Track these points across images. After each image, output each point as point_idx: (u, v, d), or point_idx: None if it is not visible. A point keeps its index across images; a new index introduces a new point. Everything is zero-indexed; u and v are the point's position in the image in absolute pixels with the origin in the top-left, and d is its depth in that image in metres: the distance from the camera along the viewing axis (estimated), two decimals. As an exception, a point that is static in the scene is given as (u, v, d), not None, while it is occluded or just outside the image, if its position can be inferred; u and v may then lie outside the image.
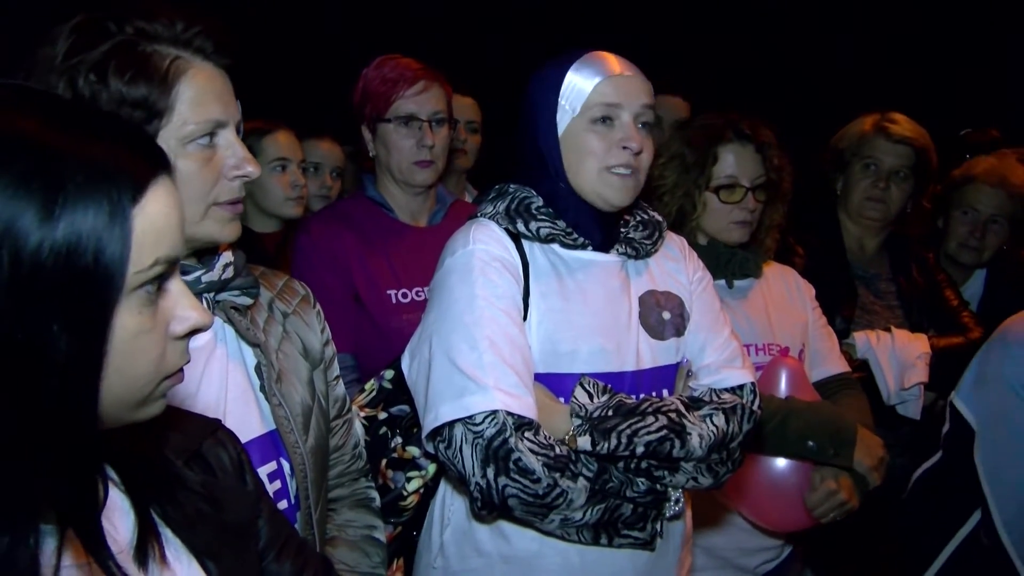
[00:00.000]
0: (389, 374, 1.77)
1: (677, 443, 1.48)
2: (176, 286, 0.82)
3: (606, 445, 1.45)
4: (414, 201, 2.36)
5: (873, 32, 5.46)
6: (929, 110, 2.93)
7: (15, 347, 0.68)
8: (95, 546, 0.75)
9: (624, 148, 1.57)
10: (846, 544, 2.52)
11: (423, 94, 2.27)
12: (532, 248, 1.60)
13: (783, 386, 2.05)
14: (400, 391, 1.68)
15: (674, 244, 1.77)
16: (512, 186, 1.65)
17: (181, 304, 0.82)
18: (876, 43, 5.44)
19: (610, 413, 1.48)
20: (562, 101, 1.59)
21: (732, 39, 5.48)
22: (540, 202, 1.61)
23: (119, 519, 0.87)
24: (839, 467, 1.98)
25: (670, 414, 1.50)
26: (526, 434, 1.42)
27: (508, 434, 1.40)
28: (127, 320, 0.75)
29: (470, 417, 1.42)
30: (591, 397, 1.50)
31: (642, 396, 1.57)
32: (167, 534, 0.91)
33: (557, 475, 1.41)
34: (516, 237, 1.59)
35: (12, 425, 0.69)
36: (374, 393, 1.76)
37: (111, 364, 0.74)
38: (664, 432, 1.48)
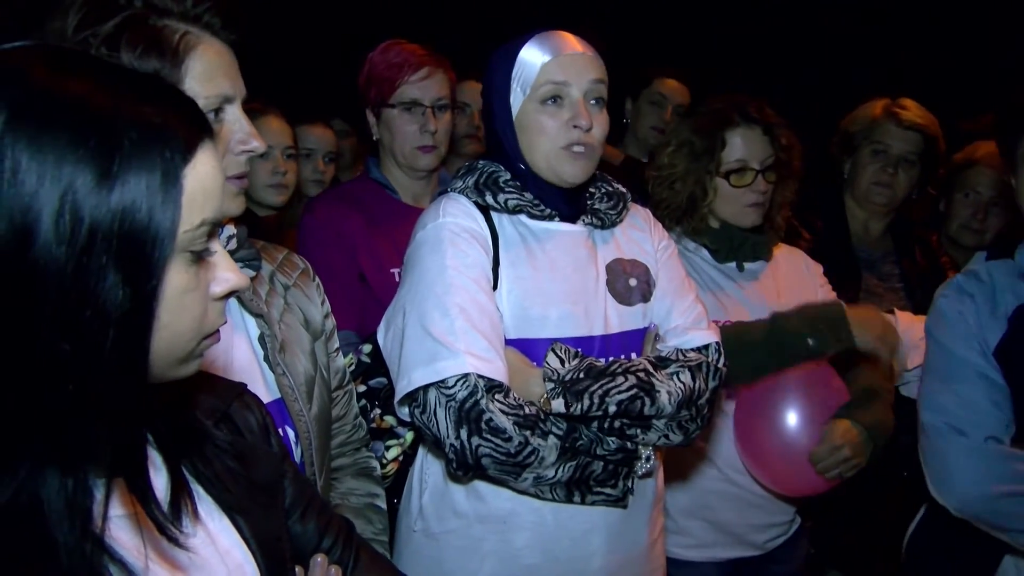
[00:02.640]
0: (367, 348, 1.80)
1: (647, 401, 1.52)
2: (217, 249, 0.85)
3: (579, 406, 1.50)
4: (417, 184, 2.40)
5: (877, 15, 5.45)
6: (933, 94, 2.93)
7: (79, 299, 0.72)
8: (143, 495, 0.79)
9: (575, 127, 1.60)
10: (851, 520, 2.54)
11: (427, 80, 2.31)
12: (501, 220, 1.64)
13: None
14: (378, 364, 1.72)
15: (639, 214, 1.81)
16: (481, 162, 1.69)
17: (221, 266, 0.86)
18: (880, 26, 5.43)
19: (581, 375, 1.52)
20: (513, 83, 1.62)
21: (736, 20, 5.48)
22: (507, 176, 1.65)
23: (153, 475, 0.89)
24: (844, 350, 1.98)
25: (639, 373, 1.54)
26: (496, 396, 1.46)
27: (479, 396, 1.45)
28: (175, 277, 0.79)
29: (442, 381, 1.46)
30: (562, 362, 1.54)
31: (611, 358, 1.61)
32: (198, 491, 0.95)
33: (528, 433, 1.46)
34: (485, 210, 1.63)
35: (76, 375, 0.73)
36: (353, 367, 1.79)
37: (160, 319, 0.78)
38: (634, 391, 1.52)
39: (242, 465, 1.00)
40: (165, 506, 0.86)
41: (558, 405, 1.50)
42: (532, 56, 1.61)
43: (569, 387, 1.51)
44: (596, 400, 1.50)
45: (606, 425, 1.54)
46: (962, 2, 5.27)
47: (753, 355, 1.96)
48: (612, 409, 1.51)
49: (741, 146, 2.11)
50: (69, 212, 0.71)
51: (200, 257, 0.82)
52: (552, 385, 1.51)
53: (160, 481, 0.89)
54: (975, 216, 2.87)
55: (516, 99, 1.62)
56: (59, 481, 0.74)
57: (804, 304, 2.06)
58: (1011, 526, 1.60)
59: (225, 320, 0.88)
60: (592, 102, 1.62)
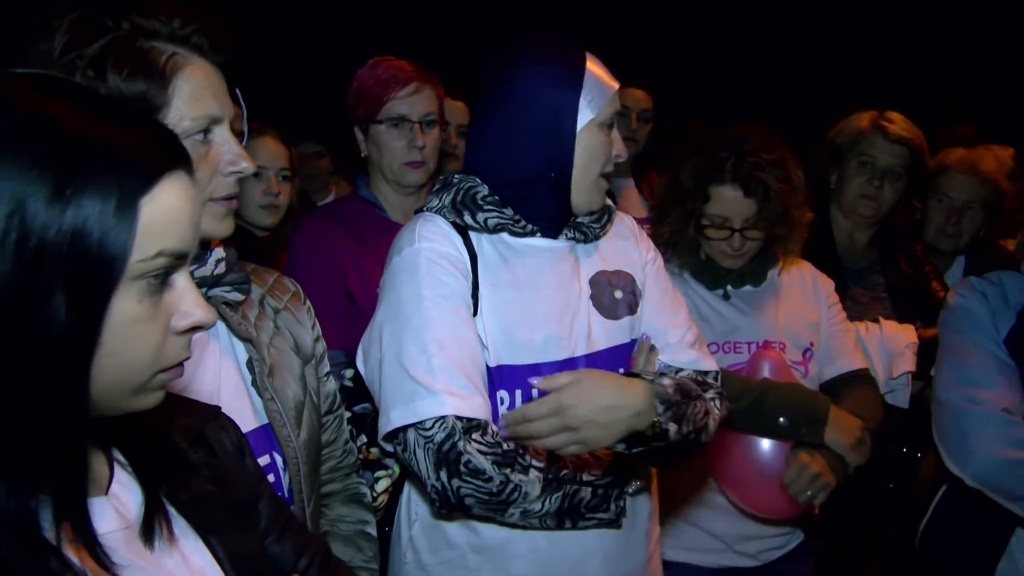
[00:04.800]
0: (349, 373, 1.78)
1: (710, 427, 1.53)
2: (183, 282, 0.83)
3: (680, 430, 1.47)
4: (406, 201, 2.38)
5: (865, 27, 5.51)
6: (917, 106, 2.96)
7: (24, 317, 0.72)
8: (80, 526, 0.78)
9: (617, 156, 1.60)
10: (850, 533, 2.55)
11: (415, 96, 2.30)
12: (480, 240, 1.59)
13: (766, 376, 2.09)
14: (362, 389, 1.69)
15: (623, 223, 1.77)
16: (456, 176, 1.63)
17: (186, 300, 0.83)
18: (867, 38, 5.49)
19: (680, 397, 1.49)
20: (584, 99, 1.56)
21: (723, 31, 5.52)
22: (485, 191, 1.59)
23: (127, 497, 0.90)
24: (812, 445, 2.01)
25: (701, 400, 1.54)
26: (474, 436, 1.43)
27: (457, 438, 1.41)
28: (126, 306, 0.77)
29: (420, 423, 1.43)
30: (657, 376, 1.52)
31: (681, 375, 1.59)
32: (172, 512, 0.94)
33: (508, 471, 1.43)
34: (463, 230, 1.58)
35: (16, 393, 0.73)
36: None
37: (106, 346, 0.77)
38: (705, 418, 1.52)
39: (217, 486, 1.00)
40: (138, 527, 0.87)
41: (674, 429, 1.46)
42: (601, 78, 1.58)
43: (675, 409, 1.47)
44: (692, 426, 1.48)
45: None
46: (944, 13, 5.34)
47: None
48: (704, 439, 1.51)
49: (723, 204, 2.09)
50: (17, 230, 0.71)
51: (160, 288, 0.80)
52: (663, 407, 1.46)
53: (135, 502, 0.89)
54: (949, 221, 2.91)
55: (584, 115, 1.56)
56: (4, 500, 0.73)
57: (798, 386, 2.08)
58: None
59: (189, 355, 0.86)
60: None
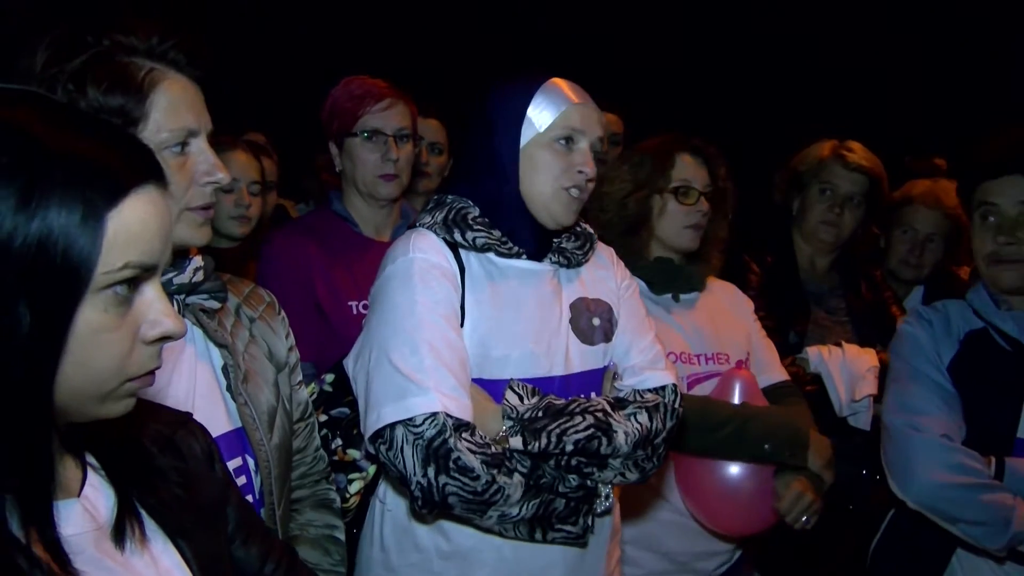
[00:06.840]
0: (329, 377, 1.81)
1: (604, 440, 1.55)
2: (153, 292, 0.84)
3: (537, 444, 1.52)
4: (379, 215, 2.43)
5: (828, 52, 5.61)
6: (878, 134, 3.04)
7: None
8: (43, 529, 0.79)
9: (579, 172, 1.65)
10: (795, 546, 2.59)
11: (389, 110, 2.36)
12: (468, 257, 1.65)
13: (737, 396, 2.13)
14: (340, 394, 1.73)
15: (603, 253, 1.85)
16: (449, 197, 1.69)
17: (155, 310, 0.84)
18: (830, 64, 5.58)
19: (540, 414, 1.54)
20: (530, 115, 1.64)
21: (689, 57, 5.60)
22: (476, 212, 1.66)
23: (99, 499, 0.91)
24: (793, 468, 2.07)
25: (596, 413, 1.57)
26: (463, 435, 1.47)
27: (448, 435, 1.45)
28: (91, 316, 0.78)
29: (411, 419, 1.46)
30: (521, 399, 1.56)
31: (571, 397, 1.63)
32: (143, 515, 0.95)
33: (495, 472, 1.47)
34: (454, 246, 1.64)
35: None
36: (314, 396, 1.80)
37: (71, 355, 0.78)
38: (591, 431, 1.54)
39: (185, 490, 1.01)
40: (109, 528, 0.88)
41: (516, 443, 1.52)
42: (552, 97, 1.65)
43: (527, 425, 1.52)
44: (554, 439, 1.52)
45: (563, 462, 1.55)
46: (910, 38, 5.45)
47: (711, 439, 2.03)
48: (569, 448, 1.53)
49: (688, 168, 2.23)
50: None
51: (129, 298, 0.81)
52: (510, 423, 1.53)
53: (107, 505, 0.91)
54: (912, 252, 2.98)
55: (528, 130, 1.65)
56: None
57: (777, 410, 2.14)
58: (961, 516, 1.81)
59: (159, 364, 0.87)
60: (592, 155, 1.68)
